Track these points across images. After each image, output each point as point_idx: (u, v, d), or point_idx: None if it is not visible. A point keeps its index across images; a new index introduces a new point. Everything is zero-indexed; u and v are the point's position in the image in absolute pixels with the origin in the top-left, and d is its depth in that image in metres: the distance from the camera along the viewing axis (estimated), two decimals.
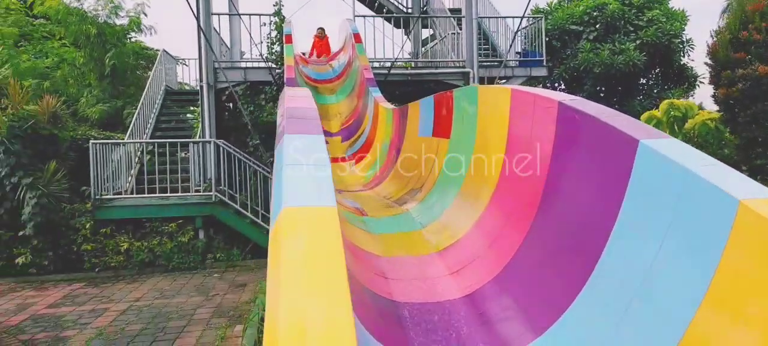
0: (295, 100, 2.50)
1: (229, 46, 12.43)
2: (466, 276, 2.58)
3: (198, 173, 9.68)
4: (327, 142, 7.30)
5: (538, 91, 2.61)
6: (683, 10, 16.47)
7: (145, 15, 15.04)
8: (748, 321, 1.35)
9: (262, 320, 5.19)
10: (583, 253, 2.00)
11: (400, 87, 11.63)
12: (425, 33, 15.72)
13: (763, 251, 1.34)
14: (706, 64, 9.46)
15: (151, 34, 15.39)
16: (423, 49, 15.09)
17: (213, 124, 10.04)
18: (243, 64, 11.38)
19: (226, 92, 10.84)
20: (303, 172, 1.58)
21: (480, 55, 11.81)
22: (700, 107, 13.86)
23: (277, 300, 1.06)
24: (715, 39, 9.29)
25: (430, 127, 4.43)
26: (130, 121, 10.86)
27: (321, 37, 13.44)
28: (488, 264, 2.54)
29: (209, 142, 9.63)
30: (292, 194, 1.41)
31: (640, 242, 1.76)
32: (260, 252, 9.35)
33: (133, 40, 15.72)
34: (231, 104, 12.03)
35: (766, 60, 8.40)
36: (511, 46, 11.08)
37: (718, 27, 10.59)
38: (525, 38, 13.09)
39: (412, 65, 12.86)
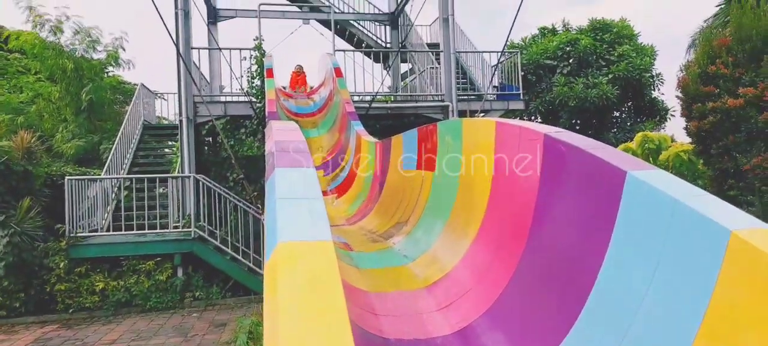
0: (284, 133, 2.49)
1: (208, 80, 12.41)
2: (456, 311, 2.56)
3: (177, 208, 9.51)
4: None
5: (523, 123, 2.65)
6: (652, 46, 17.08)
7: (123, 49, 14.98)
8: None
9: None
10: (575, 285, 2.00)
11: (381, 120, 11.72)
12: (404, 67, 15.96)
13: (756, 281, 1.36)
14: (677, 97, 9.74)
15: (129, 68, 15.30)
16: (402, 83, 15.29)
17: (192, 158, 9.93)
18: (223, 98, 11.36)
19: (207, 126, 10.77)
20: (296, 205, 1.56)
21: (458, 89, 12.00)
22: (673, 139, 14.26)
23: (275, 337, 1.03)
24: (684, 73, 9.61)
25: (415, 160, 4.45)
26: (107, 157, 10.68)
27: (298, 73, 13.60)
28: (478, 299, 2.52)
29: (188, 176, 9.50)
30: (286, 228, 1.39)
31: (631, 274, 1.77)
32: (240, 289, 9.17)
33: (110, 74, 15.61)
34: (210, 138, 11.94)
35: (734, 93, 8.70)
36: (491, 80, 11.29)
37: (687, 61, 10.98)
38: (501, 72, 13.37)
39: (393, 99, 13.00)
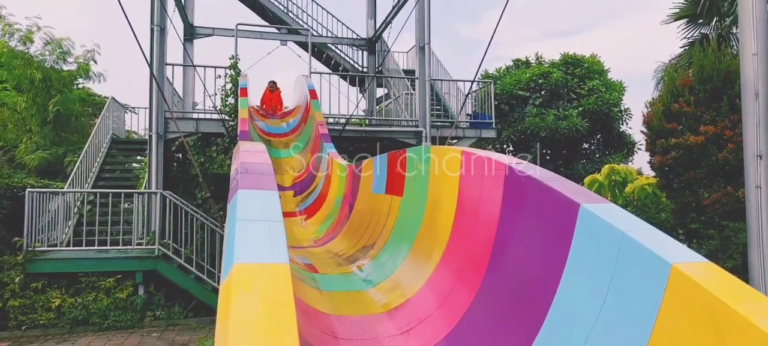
0: (250, 154, 2.49)
1: (181, 96, 12.29)
2: (416, 336, 2.56)
3: (141, 225, 9.30)
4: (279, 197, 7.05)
5: (488, 153, 2.71)
6: (621, 82, 17.65)
7: (95, 62, 14.74)
8: None
9: None
10: (531, 312, 2.04)
11: (355, 143, 11.76)
12: (380, 92, 16.10)
13: (694, 312, 1.42)
14: (642, 132, 10.05)
15: (100, 81, 15.05)
16: (377, 107, 15.41)
17: (160, 174, 9.77)
18: (195, 115, 11.25)
19: (177, 143, 10.63)
20: (256, 227, 1.56)
21: (432, 116, 12.16)
22: (639, 172, 14.67)
23: None
24: (649, 109, 9.94)
25: (384, 184, 4.48)
26: (72, 170, 10.42)
27: (272, 90, 12.84)
28: (439, 323, 2.54)
29: (155, 193, 9.32)
30: (244, 249, 1.39)
31: (583, 302, 1.82)
32: (203, 309, 8.96)
33: (80, 86, 15.32)
34: (180, 155, 11.78)
35: (695, 130, 9.03)
36: (461, 107, 11.48)
37: (653, 98, 11.37)
38: (475, 101, 13.60)
39: (367, 122, 13.08)
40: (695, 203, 9.31)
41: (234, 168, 2.52)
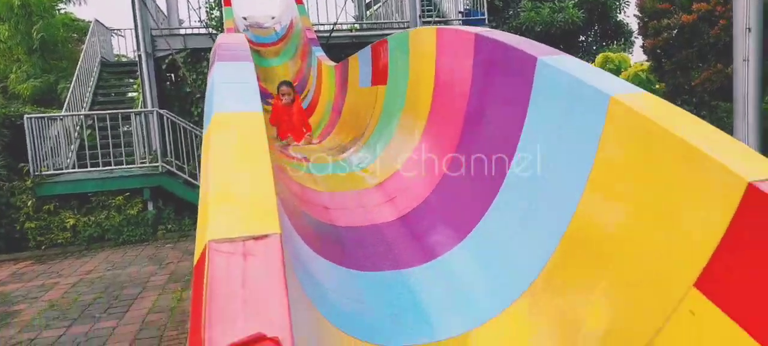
0: (227, 38, 2.60)
1: (166, 13, 12.06)
2: (400, 202, 2.79)
3: (142, 145, 9.48)
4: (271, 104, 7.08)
5: (460, 27, 2.79)
6: None
7: None
8: (619, 198, 1.60)
9: None
10: (497, 166, 2.23)
11: (345, 50, 11.65)
12: None
13: (629, 137, 1.58)
14: (634, 16, 9.94)
15: (80, 4, 14.68)
16: (368, 12, 15.08)
17: (154, 93, 9.82)
18: (182, 32, 11.10)
19: (167, 60, 10.58)
20: (232, 86, 1.70)
21: (423, 15, 11.95)
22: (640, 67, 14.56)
23: (206, 180, 1.19)
24: None
25: (369, 76, 4.58)
26: (66, 96, 10.46)
27: (288, 100, 6.43)
28: (419, 189, 2.75)
29: (152, 112, 9.43)
30: (221, 102, 1.54)
31: (539, 147, 1.99)
32: None
33: (62, 11, 14.97)
34: (172, 74, 11.75)
35: (688, 9, 8.93)
36: None
37: None
38: None
39: (357, 27, 12.88)
40: (687, 84, 9.37)
41: (213, 52, 2.63)
